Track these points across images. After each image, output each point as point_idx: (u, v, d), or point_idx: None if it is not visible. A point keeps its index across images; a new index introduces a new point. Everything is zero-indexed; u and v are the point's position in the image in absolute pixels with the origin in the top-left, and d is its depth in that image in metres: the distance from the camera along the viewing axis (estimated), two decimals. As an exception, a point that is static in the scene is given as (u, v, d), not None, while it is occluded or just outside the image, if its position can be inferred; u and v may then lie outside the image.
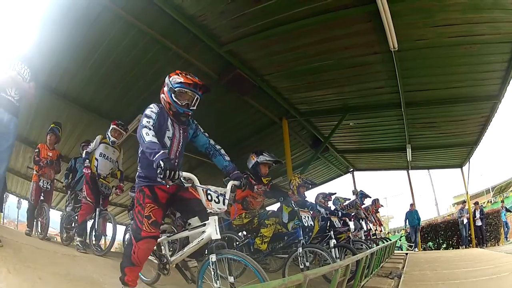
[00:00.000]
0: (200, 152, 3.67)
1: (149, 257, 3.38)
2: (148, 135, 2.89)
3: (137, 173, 3.31)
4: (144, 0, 5.56)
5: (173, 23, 5.95)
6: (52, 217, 6.92)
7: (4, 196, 8.84)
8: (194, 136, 3.50)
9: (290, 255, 4.75)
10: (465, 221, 13.95)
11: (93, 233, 5.68)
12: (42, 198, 6.61)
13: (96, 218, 5.64)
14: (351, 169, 16.01)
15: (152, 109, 3.17)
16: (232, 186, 3.19)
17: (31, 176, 7.98)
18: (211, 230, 2.82)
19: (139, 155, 3.26)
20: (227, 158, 3.45)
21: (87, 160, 5.72)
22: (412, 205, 14.86)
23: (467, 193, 14.44)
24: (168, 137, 3.24)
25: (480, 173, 52.73)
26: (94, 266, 4.55)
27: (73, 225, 6.15)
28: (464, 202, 14.58)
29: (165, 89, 3.25)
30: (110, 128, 5.96)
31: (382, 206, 11.56)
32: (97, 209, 5.67)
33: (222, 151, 3.49)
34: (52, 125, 6.81)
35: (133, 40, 6.28)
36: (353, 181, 16.05)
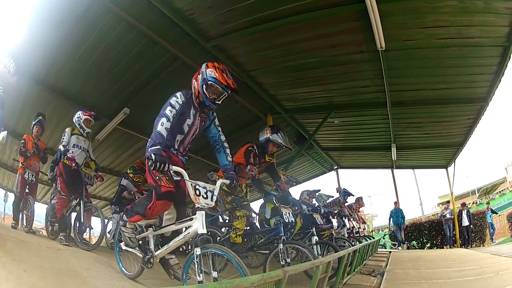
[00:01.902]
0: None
1: (133, 250, 3.56)
2: (162, 126, 3.12)
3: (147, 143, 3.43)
4: None
5: (161, 16, 5.93)
6: (38, 210, 6.90)
7: None
8: (208, 126, 3.68)
9: (271, 251, 4.80)
10: (448, 216, 14.14)
11: (77, 226, 5.65)
12: (27, 190, 6.61)
13: (81, 211, 5.62)
14: (335, 167, 16.06)
15: (177, 99, 3.35)
16: (221, 184, 3.29)
17: (17, 168, 7.94)
18: (198, 224, 2.90)
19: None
20: (230, 158, 3.65)
21: (70, 151, 5.81)
22: (396, 203, 14.99)
23: (451, 194, 14.57)
24: (187, 124, 3.47)
25: (466, 174, 53.21)
26: (77, 259, 4.53)
27: (54, 218, 6.10)
28: (448, 202, 14.76)
29: (199, 76, 3.44)
30: (83, 118, 6.06)
31: (364, 205, 11.69)
32: (81, 201, 5.66)
33: (228, 150, 3.69)
34: (39, 117, 6.81)
35: (120, 33, 6.25)
36: (337, 178, 16.13)
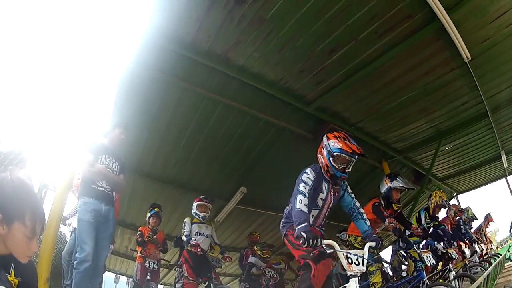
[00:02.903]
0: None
1: None
2: (301, 203, 3.19)
3: (281, 221, 3.71)
4: (222, 75, 5.85)
5: (256, 92, 6.20)
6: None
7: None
8: (342, 195, 3.74)
9: None
10: None
11: None
12: (148, 277, 6.86)
13: None
14: (454, 194, 15.36)
15: (309, 175, 3.42)
16: (369, 248, 3.32)
17: (130, 255, 8.30)
18: None
19: (288, 209, 3.64)
20: (368, 223, 3.67)
21: (192, 239, 6.08)
22: None
23: None
24: (321, 198, 3.55)
25: None
26: None
27: None
28: None
29: (324, 151, 3.52)
30: (195, 205, 6.38)
31: (493, 220, 11.14)
32: (211, 284, 5.81)
33: (365, 215, 3.71)
34: (155, 209, 7.11)
35: (220, 116, 6.58)
36: (459, 205, 15.25)
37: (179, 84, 5.91)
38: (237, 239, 11.00)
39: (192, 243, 6.03)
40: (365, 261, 3.11)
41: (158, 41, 5.25)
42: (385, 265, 6.20)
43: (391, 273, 6.45)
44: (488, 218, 10.68)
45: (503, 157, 11.09)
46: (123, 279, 15.85)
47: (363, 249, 3.25)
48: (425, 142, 9.33)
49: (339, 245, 3.11)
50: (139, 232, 7.00)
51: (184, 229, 6.25)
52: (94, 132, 5.57)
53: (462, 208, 9.69)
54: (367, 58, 5.99)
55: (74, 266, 3.79)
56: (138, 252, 7.05)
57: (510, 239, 16.25)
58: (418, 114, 8.00)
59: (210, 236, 6.44)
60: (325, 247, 3.12)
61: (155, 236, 6.99)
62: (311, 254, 3.35)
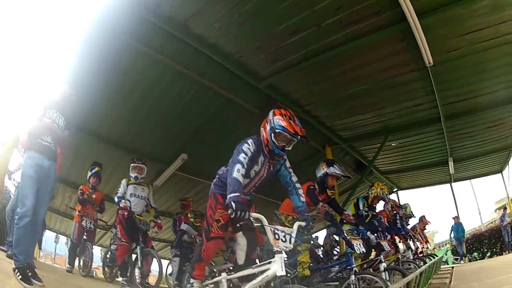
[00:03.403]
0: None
1: None
2: (238, 172, 3.15)
3: (214, 180, 3.66)
4: (180, 42, 5.68)
5: (210, 62, 6.04)
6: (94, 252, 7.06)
7: (43, 233, 9.08)
8: (279, 169, 3.69)
9: (342, 282, 4.74)
10: (508, 226, 13.56)
11: (137, 271, 5.77)
12: (85, 237, 6.74)
13: (139, 256, 5.69)
14: (395, 189, 15.75)
15: (249, 147, 3.38)
16: (298, 227, 3.26)
17: (69, 214, 8.17)
18: (277, 267, 2.89)
19: (224, 171, 3.59)
20: (303, 199, 3.64)
21: (122, 201, 5.89)
22: (456, 217, 14.55)
23: (508, 198, 14.13)
24: (255, 170, 3.51)
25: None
26: None
27: (114, 263, 6.31)
28: (505, 208, 14.22)
29: (267, 125, 3.46)
30: (130, 167, 6.25)
31: (429, 223, 11.38)
32: (138, 247, 5.73)
33: (300, 191, 3.67)
34: (96, 168, 6.97)
35: (171, 82, 6.42)
36: (398, 201, 15.49)
37: (136, 46, 5.73)
38: (173, 205, 10.81)
39: (120, 205, 5.89)
40: (293, 239, 3.10)
41: (120, 2, 5.10)
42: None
43: (321, 256, 6.37)
44: (422, 220, 10.91)
45: (450, 163, 11.47)
46: (63, 239, 15.59)
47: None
48: (371, 134, 9.52)
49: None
50: (80, 191, 6.85)
51: (119, 190, 6.13)
52: (44, 86, 5.35)
53: (400, 204, 9.79)
54: (327, 45, 5.94)
55: (15, 221, 3.67)
56: (77, 210, 6.90)
57: (448, 242, 16.90)
58: (368, 107, 8.12)
59: (146, 199, 6.30)
60: (252, 220, 3.05)
61: (93, 196, 6.88)
62: (210, 232, 3.45)
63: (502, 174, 13.98)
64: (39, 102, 4.18)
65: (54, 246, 19.05)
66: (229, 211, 2.97)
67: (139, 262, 5.68)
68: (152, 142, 8.04)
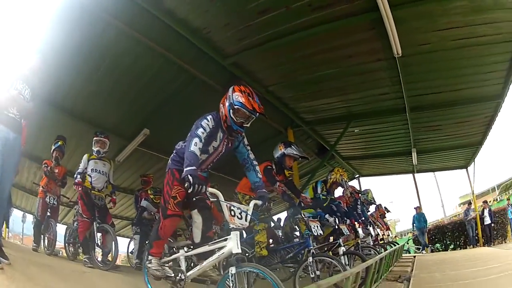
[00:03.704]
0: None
1: (166, 272, 3.53)
2: (195, 146, 3.16)
3: (172, 155, 3.67)
4: (149, 15, 5.57)
5: (177, 37, 5.96)
6: (58, 231, 6.92)
7: (9, 210, 8.90)
8: (237, 146, 3.70)
9: (300, 264, 4.75)
10: (472, 221, 13.97)
11: (95, 248, 5.73)
12: (49, 214, 6.64)
13: (94, 232, 5.70)
14: (357, 175, 15.97)
15: (208, 122, 3.38)
16: (254, 205, 3.27)
17: (36, 191, 8.03)
18: (233, 244, 2.90)
19: (181, 146, 3.60)
20: (259, 175, 3.67)
21: (78, 176, 5.85)
22: (418, 207, 14.86)
23: (473, 194, 14.61)
24: (213, 146, 3.53)
25: (485, 171, 52.69)
26: (104, 282, 4.62)
27: (76, 240, 6.24)
28: (470, 203, 14.60)
29: (226, 102, 3.44)
30: (93, 141, 6.15)
31: (387, 211, 11.58)
32: (95, 223, 5.73)
33: (257, 167, 3.68)
34: (59, 142, 6.86)
35: (137, 55, 6.30)
36: (359, 187, 15.70)
37: (104, 17, 5.58)
38: (136, 181, 10.62)
39: (75, 181, 5.84)
40: (249, 217, 3.09)
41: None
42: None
43: (282, 237, 6.56)
44: (379, 209, 11.03)
45: (414, 154, 11.73)
46: (30, 218, 15.25)
47: None
48: (334, 119, 9.63)
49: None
50: (44, 164, 6.81)
51: (80, 166, 6.05)
52: (11, 57, 5.17)
53: (361, 190, 10.00)
54: (295, 27, 5.93)
55: None
56: (41, 186, 6.82)
57: (410, 232, 17.32)
58: (333, 92, 8.18)
59: (107, 174, 6.24)
60: (209, 195, 3.09)
61: (56, 171, 6.80)
62: (167, 209, 3.44)
63: (467, 170, 14.37)
64: (6, 73, 4.06)
65: (21, 226, 18.61)
66: (186, 185, 2.95)
67: (96, 238, 5.68)
68: (116, 116, 7.91)
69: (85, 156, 6.12)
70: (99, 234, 5.82)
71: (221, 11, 5.60)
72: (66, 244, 6.63)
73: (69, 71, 6.41)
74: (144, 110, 7.77)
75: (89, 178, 5.97)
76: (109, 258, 5.84)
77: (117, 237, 5.91)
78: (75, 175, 5.92)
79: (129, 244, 8.41)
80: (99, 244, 5.78)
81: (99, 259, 5.83)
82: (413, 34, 6.24)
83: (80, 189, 5.78)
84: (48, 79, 6.14)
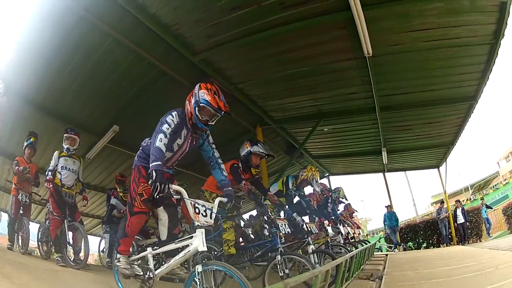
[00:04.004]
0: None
1: (134, 270, 3.53)
2: (161, 142, 3.22)
3: (138, 152, 3.67)
4: (120, 9, 5.52)
5: (148, 32, 5.92)
6: (32, 230, 6.86)
7: None
8: (202, 144, 3.75)
9: (269, 262, 4.76)
10: (445, 220, 14.21)
11: (67, 247, 5.69)
12: (21, 211, 6.61)
13: (66, 231, 5.69)
14: (327, 174, 16.02)
15: (173, 119, 3.42)
16: (219, 203, 3.32)
17: (9, 188, 7.89)
18: (198, 242, 2.93)
19: (147, 143, 3.59)
20: (225, 173, 3.73)
21: (49, 173, 5.83)
22: (389, 206, 15.08)
23: (445, 193, 14.78)
24: (178, 143, 3.56)
25: (458, 171, 53.77)
26: (76, 281, 4.64)
27: (48, 238, 6.16)
28: (442, 202, 14.88)
29: (192, 99, 3.49)
30: (63, 138, 6.17)
31: (355, 211, 11.64)
32: (66, 221, 5.71)
33: (222, 165, 3.75)
34: (31, 139, 6.83)
35: (108, 50, 6.24)
36: (329, 185, 15.68)
37: (77, 11, 5.49)
38: (106, 179, 10.64)
39: (46, 178, 5.81)
40: (213, 215, 3.12)
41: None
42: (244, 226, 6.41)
43: (252, 236, 6.57)
44: (347, 208, 11.05)
45: (384, 153, 11.82)
46: (5, 217, 14.89)
47: None
48: (303, 118, 9.66)
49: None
50: (15, 162, 6.76)
51: (51, 163, 6.05)
52: None
53: (331, 188, 10.08)
54: (265, 25, 5.94)
55: None
56: (13, 183, 6.79)
57: (382, 230, 17.56)
58: (302, 90, 8.21)
59: (76, 172, 6.23)
60: (172, 192, 3.09)
61: (27, 168, 6.76)
62: (133, 206, 3.44)
63: (439, 170, 14.61)
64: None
65: (-3, 224, 18.11)
66: (149, 182, 2.99)
67: (68, 237, 5.66)
68: (87, 112, 7.81)
69: (56, 153, 6.12)
70: (70, 233, 5.77)
71: (192, 7, 5.59)
72: (39, 243, 6.55)
73: (41, 65, 6.31)
74: (114, 106, 7.69)
75: (59, 175, 5.96)
76: (81, 257, 5.79)
77: (88, 236, 5.89)
78: (46, 172, 5.89)
79: (100, 243, 8.31)
80: (71, 243, 5.72)
81: (72, 257, 5.76)
82: (385, 34, 6.30)
83: (51, 186, 5.74)
84: (23, 73, 6.10)
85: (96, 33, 5.92)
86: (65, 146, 6.11)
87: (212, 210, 3.13)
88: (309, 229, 5.81)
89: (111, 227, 7.53)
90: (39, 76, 6.59)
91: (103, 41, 6.07)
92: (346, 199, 10.04)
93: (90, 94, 7.24)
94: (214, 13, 5.67)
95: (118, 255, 3.55)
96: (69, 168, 6.09)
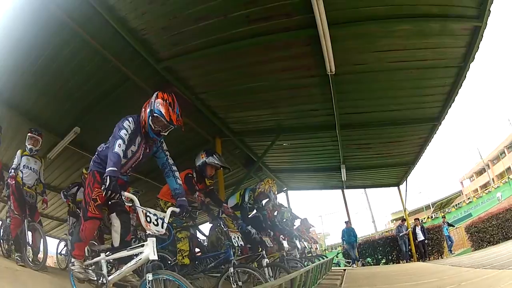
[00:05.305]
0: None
1: (88, 275, 3.54)
2: (119, 147, 3.26)
3: (93, 157, 3.70)
4: (91, 9, 5.52)
5: (115, 35, 5.94)
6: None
7: None
8: (156, 151, 3.80)
9: (222, 274, 4.79)
10: (405, 237, 14.51)
11: (27, 247, 5.67)
12: None
13: (25, 230, 5.65)
14: (285, 188, 16.01)
15: (130, 125, 3.49)
16: (172, 212, 3.37)
17: None
18: (149, 250, 2.95)
19: (103, 148, 3.68)
20: (179, 181, 3.78)
21: (12, 170, 5.85)
22: (348, 222, 15.20)
23: (405, 210, 15.16)
24: (131, 150, 3.59)
25: (419, 190, 54.97)
26: (33, 282, 4.62)
27: (9, 237, 6.11)
28: (403, 219, 15.18)
29: (148, 107, 3.53)
30: (27, 138, 6.20)
31: (312, 226, 11.88)
32: (26, 220, 5.68)
33: (177, 173, 3.80)
34: None
35: (75, 49, 6.23)
36: (287, 200, 16.07)
37: (49, 6, 5.44)
38: (66, 180, 10.40)
39: (10, 175, 5.84)
40: (165, 224, 3.15)
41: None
42: (202, 237, 6.38)
43: (209, 247, 6.46)
44: (303, 223, 11.18)
45: (343, 170, 11.92)
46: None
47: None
48: (263, 131, 9.71)
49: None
50: None
51: (13, 161, 6.10)
52: None
53: (282, 205, 10.19)
54: (231, 37, 6.04)
55: None
56: None
57: (340, 246, 17.80)
58: (263, 104, 8.27)
59: (37, 172, 6.24)
60: (124, 200, 3.17)
61: None
62: (87, 211, 3.46)
63: (399, 188, 14.91)
64: None
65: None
66: (102, 187, 3.03)
67: (27, 237, 5.65)
68: (50, 111, 7.73)
69: (19, 152, 6.15)
70: (29, 233, 5.76)
71: (160, 14, 5.64)
72: (1, 241, 6.47)
73: (9, 60, 6.33)
74: (77, 107, 7.62)
75: (20, 174, 5.96)
76: (39, 258, 5.73)
77: (47, 237, 5.85)
78: (9, 170, 5.95)
79: (58, 245, 8.18)
80: (30, 243, 5.71)
81: (31, 258, 5.71)
82: (349, 53, 6.43)
83: (13, 182, 5.74)
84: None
85: (65, 32, 5.90)
86: (28, 146, 6.14)
87: (163, 219, 3.16)
88: (264, 242, 5.90)
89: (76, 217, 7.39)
90: (7, 71, 6.58)
91: (71, 40, 6.06)
92: (297, 217, 10.22)
93: (55, 93, 7.19)
94: (181, 21, 5.73)
95: (73, 259, 3.57)
96: (31, 168, 6.10)
